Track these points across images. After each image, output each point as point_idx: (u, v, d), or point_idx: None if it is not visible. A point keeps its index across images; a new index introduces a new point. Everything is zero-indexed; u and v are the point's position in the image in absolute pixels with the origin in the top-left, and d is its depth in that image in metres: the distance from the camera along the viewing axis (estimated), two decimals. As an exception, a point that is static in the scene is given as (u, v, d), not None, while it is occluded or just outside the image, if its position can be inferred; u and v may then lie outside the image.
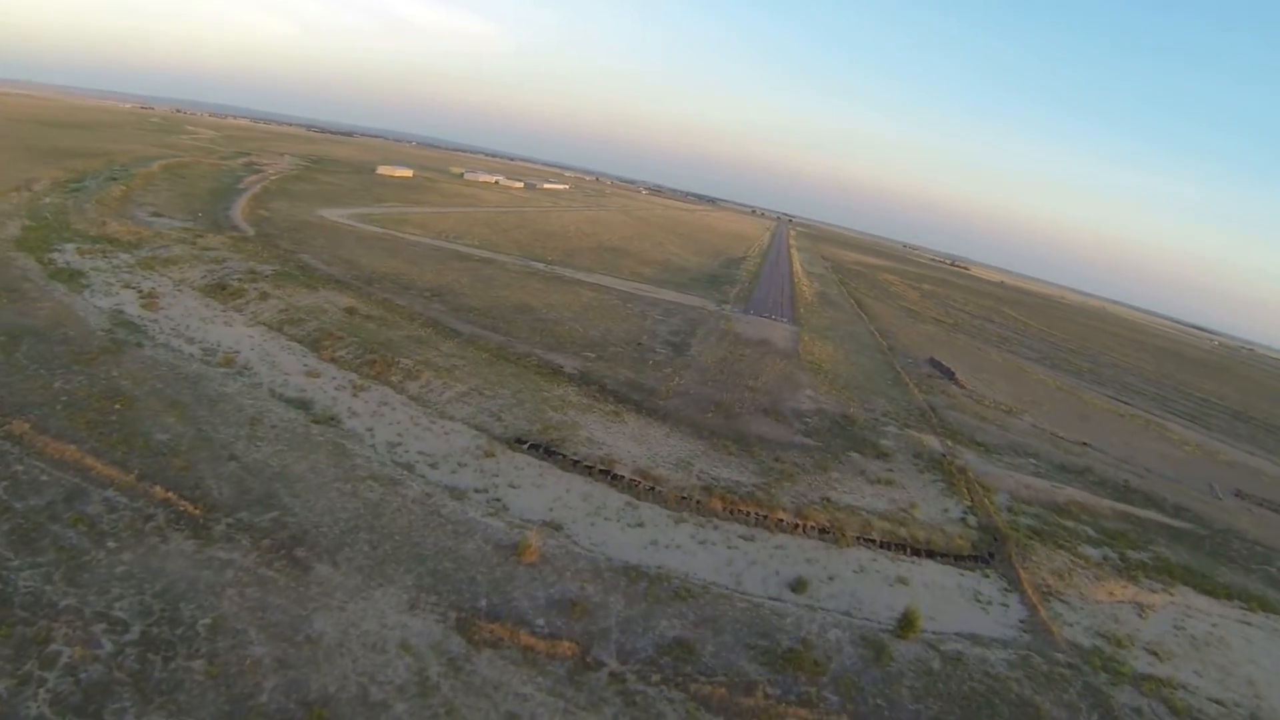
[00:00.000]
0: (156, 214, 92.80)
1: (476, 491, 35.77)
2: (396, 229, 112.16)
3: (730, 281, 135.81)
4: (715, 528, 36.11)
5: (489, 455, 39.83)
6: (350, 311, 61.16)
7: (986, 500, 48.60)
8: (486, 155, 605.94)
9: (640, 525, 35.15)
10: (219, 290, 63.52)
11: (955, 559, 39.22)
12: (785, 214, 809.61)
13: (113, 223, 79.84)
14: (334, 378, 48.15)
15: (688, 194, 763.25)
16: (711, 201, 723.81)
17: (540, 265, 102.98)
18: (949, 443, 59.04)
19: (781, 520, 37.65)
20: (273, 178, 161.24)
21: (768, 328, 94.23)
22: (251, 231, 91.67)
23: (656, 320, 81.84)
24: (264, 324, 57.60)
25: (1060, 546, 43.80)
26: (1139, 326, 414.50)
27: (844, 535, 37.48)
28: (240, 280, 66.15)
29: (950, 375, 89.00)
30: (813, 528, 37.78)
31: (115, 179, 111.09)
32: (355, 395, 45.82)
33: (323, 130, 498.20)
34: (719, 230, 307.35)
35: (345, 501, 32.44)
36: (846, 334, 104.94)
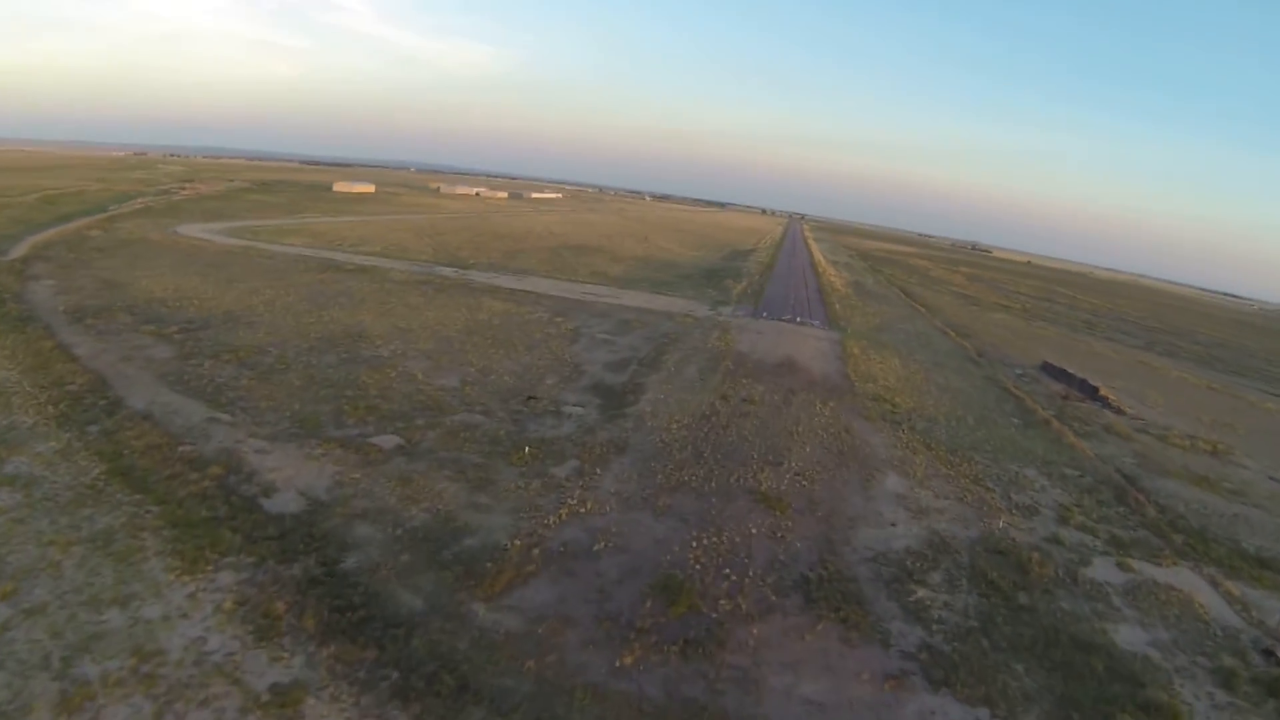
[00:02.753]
0: (-85, 242, 67.03)
1: None
2: (268, 241, 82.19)
3: (734, 275, 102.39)
4: None
5: None
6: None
7: None
8: (487, 176, 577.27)
9: None
10: None
11: None
12: (796, 212, 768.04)
13: None
14: None
15: (695, 200, 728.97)
16: (720, 205, 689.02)
17: (450, 271, 71.01)
18: (1228, 587, 25.47)
19: None
20: (177, 198, 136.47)
21: (791, 337, 60.90)
22: (23, 253, 64.70)
23: (596, 342, 48.56)
24: None
25: None
26: (1186, 298, 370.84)
27: None
28: None
29: (1092, 393, 55.01)
30: None
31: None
32: None
33: (317, 164, 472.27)
34: (725, 226, 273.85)
35: None
36: (910, 336, 70.89)
